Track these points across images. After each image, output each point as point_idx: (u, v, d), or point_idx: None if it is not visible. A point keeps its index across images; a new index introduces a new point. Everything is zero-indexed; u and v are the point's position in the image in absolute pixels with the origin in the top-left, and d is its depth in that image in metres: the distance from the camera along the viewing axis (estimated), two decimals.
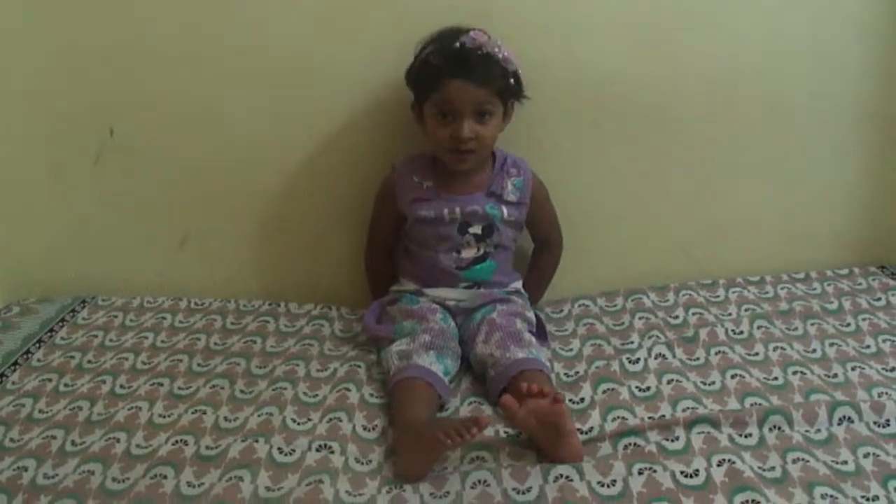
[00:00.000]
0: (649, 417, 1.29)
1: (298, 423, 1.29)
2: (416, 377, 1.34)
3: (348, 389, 1.40)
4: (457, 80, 1.46)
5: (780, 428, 1.24)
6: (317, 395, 1.39)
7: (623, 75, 1.74)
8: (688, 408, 1.31)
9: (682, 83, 1.77)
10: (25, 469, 1.19)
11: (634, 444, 1.21)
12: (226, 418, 1.32)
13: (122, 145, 1.78)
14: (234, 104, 1.74)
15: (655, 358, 1.48)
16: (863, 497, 1.08)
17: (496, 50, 1.49)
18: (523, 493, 1.11)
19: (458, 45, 1.49)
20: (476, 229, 1.58)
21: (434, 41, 1.53)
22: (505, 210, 1.59)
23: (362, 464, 1.20)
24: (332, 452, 1.21)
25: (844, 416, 1.26)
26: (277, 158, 1.78)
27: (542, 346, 1.52)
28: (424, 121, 1.55)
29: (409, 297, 1.59)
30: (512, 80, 1.52)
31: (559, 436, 1.18)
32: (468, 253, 1.59)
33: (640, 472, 1.13)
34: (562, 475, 1.13)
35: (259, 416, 1.31)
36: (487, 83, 1.48)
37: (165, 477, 1.15)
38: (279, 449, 1.21)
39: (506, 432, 1.27)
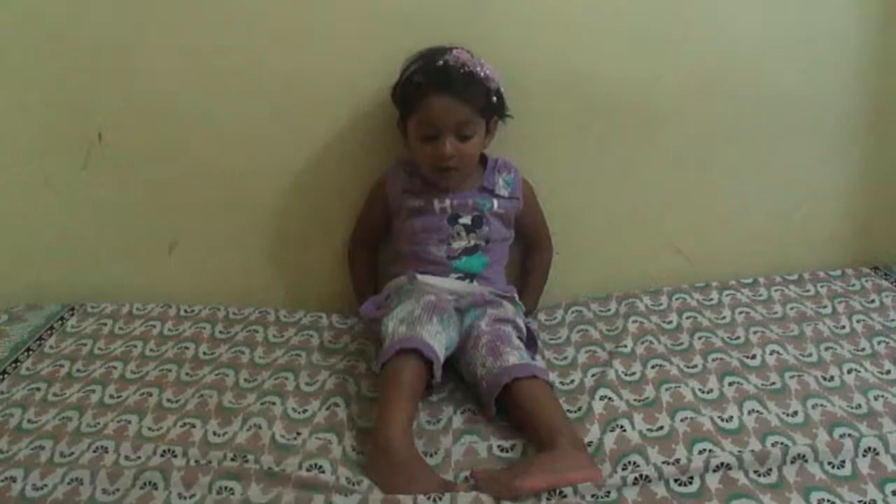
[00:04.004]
0: (648, 429, 1.28)
1: (287, 439, 1.28)
2: (416, 348, 1.29)
3: (337, 405, 1.38)
4: (438, 96, 1.49)
5: (782, 444, 1.22)
6: (306, 411, 1.37)
7: (610, 76, 1.74)
8: (686, 418, 1.30)
9: (671, 83, 1.76)
10: (14, 480, 1.17)
11: (634, 462, 1.19)
12: (214, 433, 1.30)
13: (111, 150, 1.76)
14: (223, 109, 1.73)
15: (652, 367, 1.47)
16: (860, 502, 1.08)
17: (478, 69, 1.53)
18: None
19: (440, 63, 1.51)
20: (466, 220, 1.61)
21: (418, 60, 1.56)
22: (495, 202, 1.63)
23: (354, 484, 1.17)
24: (323, 472, 1.19)
25: (844, 434, 1.24)
26: (267, 165, 1.77)
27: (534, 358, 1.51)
28: (409, 140, 1.58)
29: (405, 287, 1.57)
30: (494, 98, 1.55)
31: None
32: (458, 244, 1.61)
33: (635, 483, 1.12)
34: (556, 492, 1.11)
35: (248, 430, 1.30)
36: (468, 100, 1.51)
37: (156, 487, 1.14)
38: (268, 468, 1.19)
39: (499, 447, 1.26)
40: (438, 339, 1.35)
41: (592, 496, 1.10)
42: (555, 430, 1.21)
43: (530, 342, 1.54)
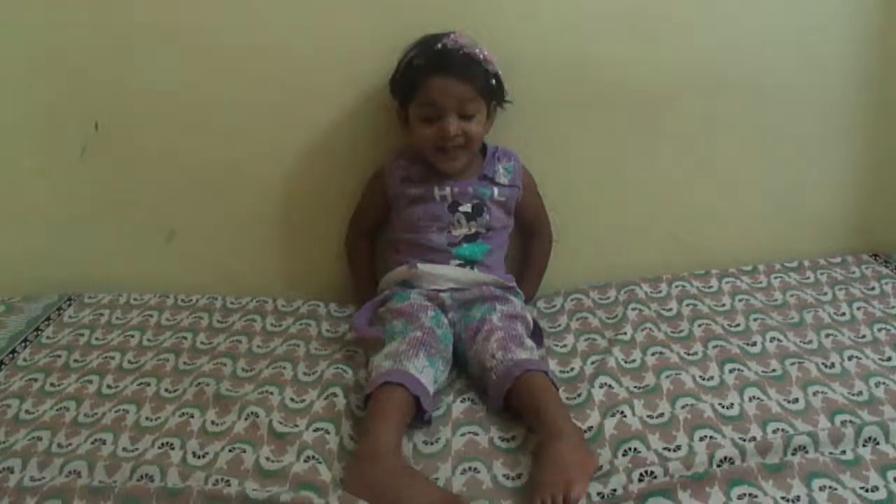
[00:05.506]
0: (648, 415, 1.27)
1: (285, 426, 1.27)
2: (401, 383, 1.27)
3: (335, 395, 1.36)
4: (439, 77, 1.50)
5: (783, 430, 1.22)
6: (304, 401, 1.36)
7: (612, 62, 1.73)
8: (687, 405, 1.30)
9: (672, 70, 1.76)
10: (11, 471, 1.16)
11: (635, 449, 1.19)
12: (213, 422, 1.29)
13: (108, 140, 1.75)
14: (221, 98, 1.72)
15: (652, 355, 1.47)
16: (861, 488, 1.07)
17: (477, 51, 1.53)
18: (513, 479, 1.11)
19: (439, 46, 1.52)
20: (466, 207, 1.61)
21: (416, 46, 1.56)
22: (496, 190, 1.63)
23: None
24: (320, 463, 1.18)
25: (845, 421, 1.24)
26: (265, 153, 1.76)
27: (539, 350, 1.50)
28: (410, 126, 1.58)
29: (399, 295, 1.56)
30: (493, 81, 1.56)
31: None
32: (459, 231, 1.61)
33: (640, 479, 1.11)
34: None
35: (246, 419, 1.29)
36: (469, 79, 1.51)
37: (152, 480, 1.13)
38: (266, 458, 1.19)
39: (501, 438, 1.25)
40: (426, 374, 1.33)
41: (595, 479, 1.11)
42: (560, 421, 1.21)
43: (537, 336, 1.54)
